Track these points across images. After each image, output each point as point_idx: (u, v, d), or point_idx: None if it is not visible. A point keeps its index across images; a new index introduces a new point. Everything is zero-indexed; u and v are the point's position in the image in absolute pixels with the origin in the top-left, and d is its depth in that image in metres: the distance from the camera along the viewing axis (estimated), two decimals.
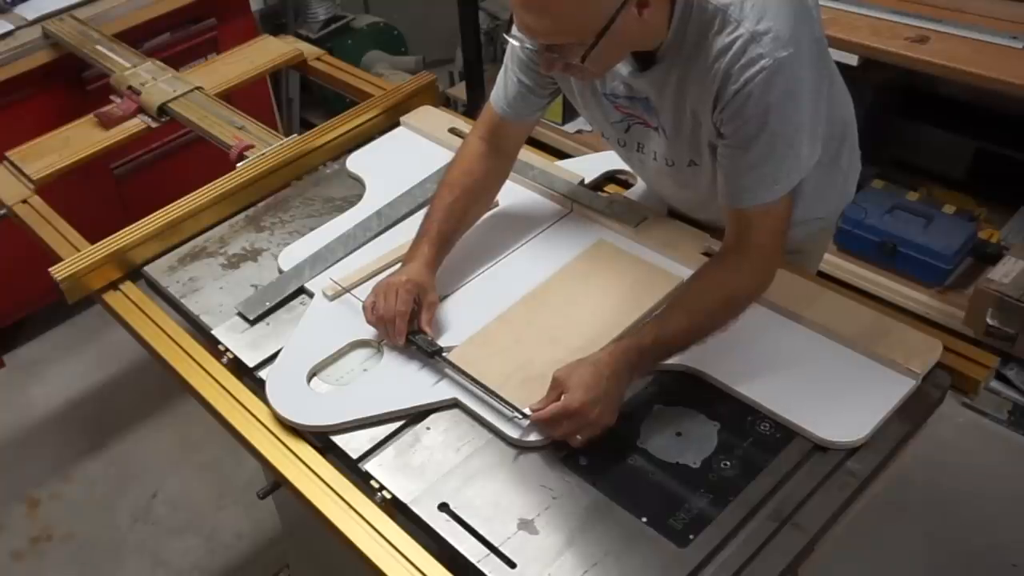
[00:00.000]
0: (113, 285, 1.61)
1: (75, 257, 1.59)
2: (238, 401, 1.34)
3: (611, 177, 1.71)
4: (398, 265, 1.43)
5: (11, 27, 2.54)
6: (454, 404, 1.28)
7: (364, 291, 1.41)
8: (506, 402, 1.22)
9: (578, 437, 1.17)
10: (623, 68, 1.28)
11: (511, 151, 1.50)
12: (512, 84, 1.41)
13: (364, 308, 1.36)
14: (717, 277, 1.26)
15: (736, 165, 1.22)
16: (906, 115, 2.80)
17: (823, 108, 1.25)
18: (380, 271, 1.49)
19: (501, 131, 1.46)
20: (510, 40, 1.30)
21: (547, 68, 1.21)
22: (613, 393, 1.17)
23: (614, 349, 1.19)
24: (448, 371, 1.30)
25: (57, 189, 1.90)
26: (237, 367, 1.41)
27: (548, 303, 1.40)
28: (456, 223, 1.43)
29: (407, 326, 1.32)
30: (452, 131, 1.81)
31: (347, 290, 1.45)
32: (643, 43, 1.21)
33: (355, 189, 1.74)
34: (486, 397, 1.25)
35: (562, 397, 1.16)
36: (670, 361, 1.26)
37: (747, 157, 1.20)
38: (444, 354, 1.31)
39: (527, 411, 1.20)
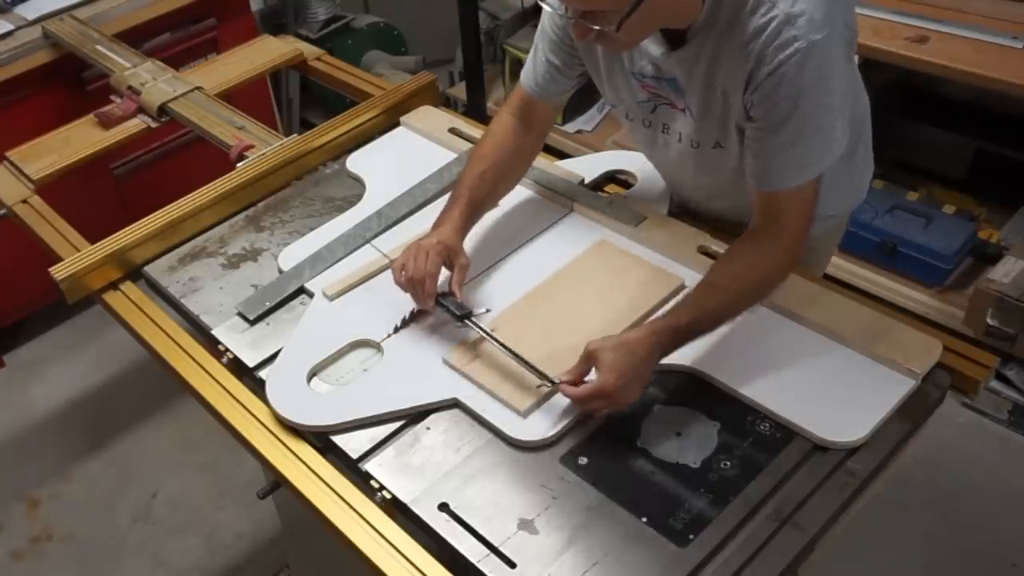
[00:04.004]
0: (113, 285, 1.61)
1: (75, 257, 1.59)
2: (238, 401, 1.34)
3: (611, 177, 1.71)
4: (426, 231, 1.42)
5: (11, 27, 2.54)
6: (454, 404, 1.28)
7: (365, 291, 1.41)
8: (535, 369, 1.22)
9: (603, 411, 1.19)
10: (653, 47, 1.28)
11: (542, 128, 1.51)
12: (541, 64, 1.42)
13: (393, 269, 1.36)
14: (749, 259, 1.26)
15: (766, 147, 1.22)
16: (906, 115, 2.80)
17: (850, 94, 1.25)
18: (380, 271, 1.49)
19: (531, 108, 1.47)
20: (544, 6, 1.31)
21: (581, 35, 1.20)
22: (645, 375, 1.18)
23: (650, 331, 1.19)
24: (474, 331, 1.30)
25: (57, 189, 1.90)
26: (237, 367, 1.41)
27: (548, 303, 1.40)
28: (486, 193, 1.44)
29: (436, 288, 1.32)
30: (452, 131, 1.81)
31: (355, 285, 1.45)
32: (677, 19, 1.22)
33: (355, 189, 1.74)
34: (514, 361, 1.25)
35: (597, 377, 1.16)
36: (671, 361, 1.25)
37: (778, 139, 1.20)
38: (473, 318, 1.31)
39: (556, 379, 1.20)
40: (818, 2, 1.14)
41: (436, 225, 1.40)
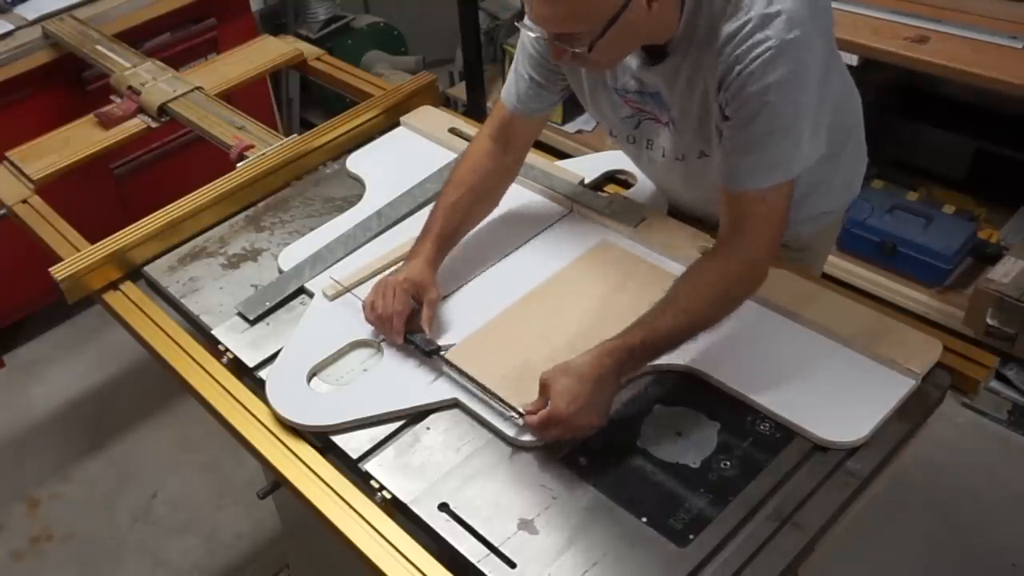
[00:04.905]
0: (113, 285, 1.61)
1: (75, 257, 1.59)
2: (238, 401, 1.34)
3: (611, 177, 1.71)
4: (399, 264, 1.43)
5: (11, 27, 2.54)
6: (454, 404, 1.28)
7: (364, 291, 1.41)
8: (502, 400, 1.22)
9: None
10: (633, 62, 1.28)
11: (520, 149, 1.49)
12: (523, 80, 1.41)
13: (363, 306, 1.37)
14: (709, 274, 1.23)
15: (737, 144, 1.21)
16: (906, 115, 2.80)
17: (829, 100, 1.24)
18: (380, 271, 1.49)
19: (511, 128, 1.46)
20: (521, 28, 1.31)
21: (556, 57, 1.21)
22: (599, 398, 1.16)
23: (599, 352, 1.17)
24: (446, 370, 1.30)
25: (57, 189, 1.90)
26: (237, 367, 1.41)
27: (547, 303, 1.40)
28: (460, 221, 1.43)
29: (405, 325, 1.32)
30: (452, 131, 1.81)
31: (348, 289, 1.45)
32: (653, 36, 1.22)
33: (355, 189, 1.74)
34: (482, 396, 1.25)
35: (549, 405, 1.15)
36: (671, 361, 1.25)
37: (748, 135, 1.19)
38: (442, 353, 1.31)
39: (522, 410, 1.20)
40: (794, 3, 1.13)
41: (407, 259, 1.40)
